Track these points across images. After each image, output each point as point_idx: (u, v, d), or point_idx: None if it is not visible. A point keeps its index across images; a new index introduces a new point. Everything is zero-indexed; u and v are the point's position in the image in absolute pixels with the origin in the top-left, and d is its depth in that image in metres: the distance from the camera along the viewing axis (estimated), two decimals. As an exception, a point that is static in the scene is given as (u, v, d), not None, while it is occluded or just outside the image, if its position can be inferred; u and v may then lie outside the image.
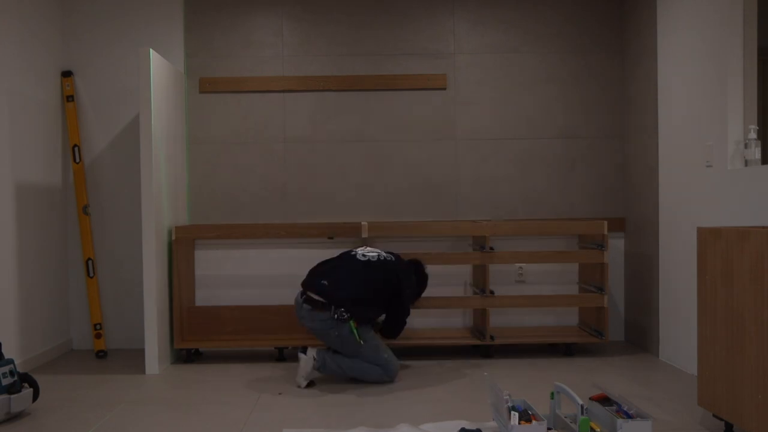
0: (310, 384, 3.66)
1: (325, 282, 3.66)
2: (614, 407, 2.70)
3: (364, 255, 3.80)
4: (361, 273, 3.71)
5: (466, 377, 3.83)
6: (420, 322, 4.63)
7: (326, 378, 3.79)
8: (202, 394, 3.58)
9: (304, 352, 3.66)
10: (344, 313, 3.56)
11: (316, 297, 3.64)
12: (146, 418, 3.20)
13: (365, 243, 4.20)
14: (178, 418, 3.20)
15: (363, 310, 3.64)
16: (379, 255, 3.82)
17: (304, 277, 3.80)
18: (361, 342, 3.61)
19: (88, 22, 4.66)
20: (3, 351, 3.25)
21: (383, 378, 3.68)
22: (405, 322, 3.89)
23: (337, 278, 3.68)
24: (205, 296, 4.61)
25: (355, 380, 3.71)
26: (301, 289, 3.74)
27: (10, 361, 3.17)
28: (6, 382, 3.09)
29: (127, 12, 4.66)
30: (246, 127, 4.70)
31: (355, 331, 3.58)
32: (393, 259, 3.85)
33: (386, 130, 4.72)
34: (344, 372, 3.69)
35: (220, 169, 4.70)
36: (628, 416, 2.59)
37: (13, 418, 3.13)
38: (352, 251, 3.86)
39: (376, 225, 4.29)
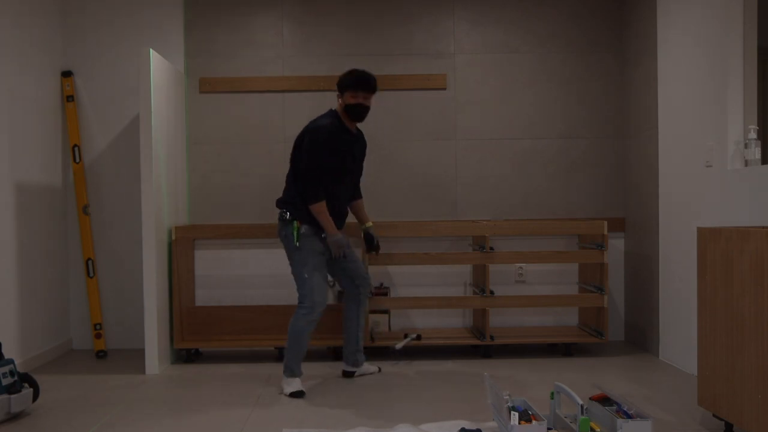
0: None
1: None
2: (614, 407, 2.69)
3: None
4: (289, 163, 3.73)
5: (466, 377, 3.83)
6: (420, 322, 4.63)
7: (326, 378, 3.79)
8: (202, 394, 3.59)
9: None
10: (285, 213, 3.61)
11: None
12: (146, 418, 3.20)
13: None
14: (178, 418, 3.20)
15: (295, 195, 3.59)
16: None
17: None
18: (297, 244, 3.56)
19: (88, 22, 4.66)
20: (3, 351, 3.24)
21: (300, 313, 3.54)
22: (311, 171, 3.57)
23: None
24: (205, 296, 4.61)
25: (351, 377, 3.75)
26: None
27: (10, 361, 3.16)
28: (6, 382, 3.08)
29: (127, 12, 4.66)
30: (246, 127, 4.70)
31: (295, 232, 3.56)
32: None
33: (386, 130, 4.71)
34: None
35: (220, 169, 4.70)
36: (628, 416, 2.59)
37: (13, 418, 3.13)
38: None
39: (375, 225, 4.26)
